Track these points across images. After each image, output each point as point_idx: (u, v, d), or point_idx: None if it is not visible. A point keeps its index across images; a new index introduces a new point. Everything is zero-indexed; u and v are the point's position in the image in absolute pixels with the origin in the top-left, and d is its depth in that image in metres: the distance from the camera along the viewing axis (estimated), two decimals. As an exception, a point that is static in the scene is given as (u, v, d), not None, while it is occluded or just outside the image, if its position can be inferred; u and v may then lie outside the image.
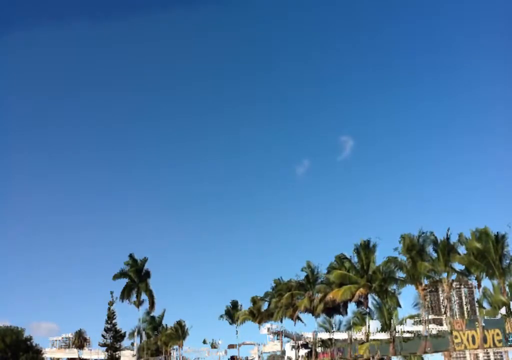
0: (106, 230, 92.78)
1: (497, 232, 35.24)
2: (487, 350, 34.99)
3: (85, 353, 57.14)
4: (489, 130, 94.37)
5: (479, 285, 37.28)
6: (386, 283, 38.29)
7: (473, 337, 33.85)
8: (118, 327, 41.59)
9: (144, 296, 50.72)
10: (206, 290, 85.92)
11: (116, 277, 49.28)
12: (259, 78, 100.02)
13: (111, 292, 42.02)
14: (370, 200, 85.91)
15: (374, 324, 39.28)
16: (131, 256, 50.63)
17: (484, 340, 33.37)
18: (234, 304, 55.20)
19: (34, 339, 47.03)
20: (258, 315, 50.37)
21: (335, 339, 43.23)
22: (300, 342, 47.26)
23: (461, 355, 36.77)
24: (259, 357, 52.07)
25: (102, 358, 45.10)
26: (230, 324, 54.49)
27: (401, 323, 38.47)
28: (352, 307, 42.85)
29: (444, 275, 36.98)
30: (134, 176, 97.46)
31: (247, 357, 54.72)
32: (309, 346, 46.23)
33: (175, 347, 57.35)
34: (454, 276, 37.89)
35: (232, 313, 54.45)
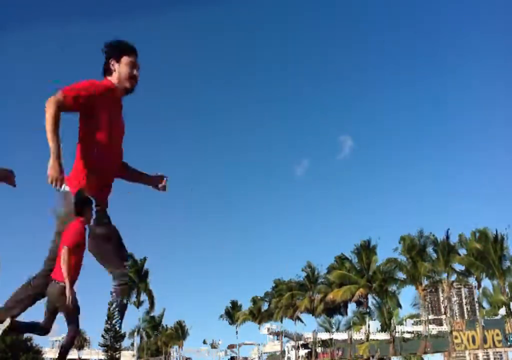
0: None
1: (496, 232, 35.31)
2: (487, 351, 35.00)
3: (85, 354, 57.15)
4: (489, 130, 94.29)
5: (479, 286, 37.37)
6: (386, 283, 38.35)
7: (473, 337, 33.87)
8: (118, 327, 41.58)
9: (144, 296, 50.79)
10: (206, 290, 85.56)
11: (116, 277, 49.32)
12: (259, 78, 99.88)
13: (111, 292, 42.02)
14: (370, 200, 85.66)
15: (374, 324, 39.33)
16: (131, 256, 50.61)
17: (484, 340, 33.39)
18: (234, 304, 55.23)
19: (34, 340, 46.93)
20: (258, 315, 50.40)
21: (335, 339, 43.26)
22: (300, 342, 47.27)
23: (461, 356, 36.80)
24: (259, 357, 52.06)
25: (102, 358, 45.13)
26: (230, 324, 54.51)
27: (401, 323, 38.51)
28: (352, 307, 42.96)
29: (444, 275, 37.07)
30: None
31: (247, 358, 54.71)
32: (309, 346, 46.25)
33: (175, 347, 57.39)
34: (454, 277, 37.98)
35: (232, 313, 54.47)
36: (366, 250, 39.56)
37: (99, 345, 44.04)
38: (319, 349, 44.67)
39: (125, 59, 3.02)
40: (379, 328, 38.88)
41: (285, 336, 48.72)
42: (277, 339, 49.71)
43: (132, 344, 55.83)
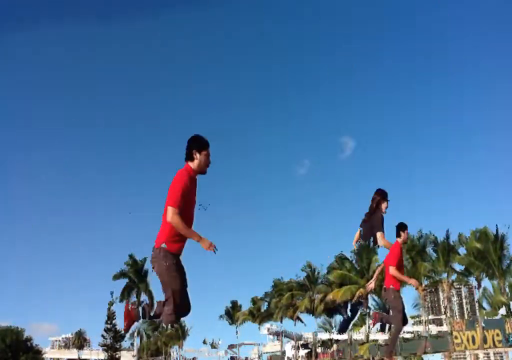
0: (106, 230, 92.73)
1: (496, 232, 35.26)
2: (487, 351, 34.99)
3: (85, 354, 57.06)
4: (488, 130, 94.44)
5: (479, 286, 37.31)
6: (386, 284, 38.26)
7: (473, 337, 33.85)
8: (118, 327, 41.56)
9: (144, 297, 50.66)
10: (206, 290, 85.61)
11: (116, 277, 49.21)
12: (259, 78, 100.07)
13: (111, 293, 42.05)
14: (370, 200, 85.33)
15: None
16: (131, 256, 50.57)
17: (484, 340, 33.37)
18: (234, 304, 55.18)
19: (34, 340, 46.96)
20: (258, 316, 50.35)
21: (335, 340, 43.23)
22: (300, 343, 47.23)
23: (461, 356, 36.89)
24: (259, 357, 52.01)
25: (102, 358, 45.08)
26: (230, 324, 54.48)
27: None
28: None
29: (444, 275, 37.02)
30: (134, 177, 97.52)
31: (247, 358, 54.65)
32: (309, 346, 46.21)
33: (175, 347, 57.33)
34: (454, 276, 37.94)
35: (232, 313, 54.43)
36: (366, 250, 39.49)
37: (99, 345, 44.14)
38: (319, 350, 44.65)
39: (204, 152, 4.16)
40: (379, 328, 38.83)
41: (285, 336, 48.69)
42: (277, 339, 49.67)
43: (132, 344, 55.83)
